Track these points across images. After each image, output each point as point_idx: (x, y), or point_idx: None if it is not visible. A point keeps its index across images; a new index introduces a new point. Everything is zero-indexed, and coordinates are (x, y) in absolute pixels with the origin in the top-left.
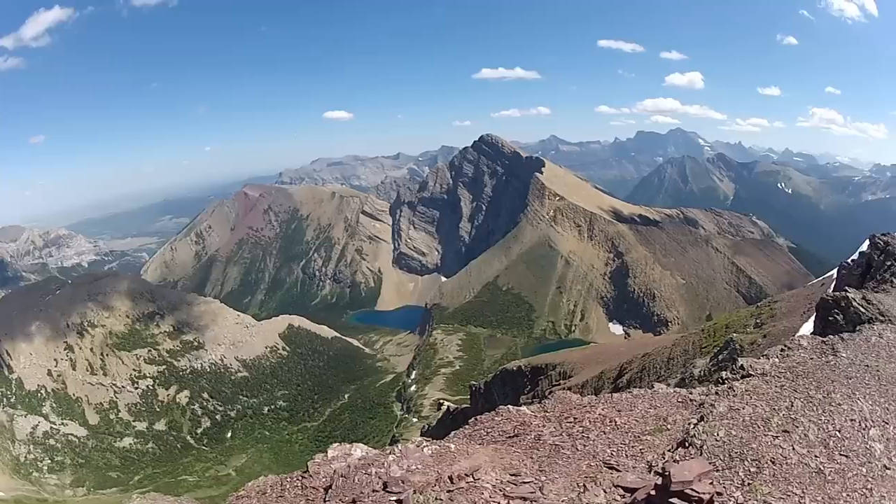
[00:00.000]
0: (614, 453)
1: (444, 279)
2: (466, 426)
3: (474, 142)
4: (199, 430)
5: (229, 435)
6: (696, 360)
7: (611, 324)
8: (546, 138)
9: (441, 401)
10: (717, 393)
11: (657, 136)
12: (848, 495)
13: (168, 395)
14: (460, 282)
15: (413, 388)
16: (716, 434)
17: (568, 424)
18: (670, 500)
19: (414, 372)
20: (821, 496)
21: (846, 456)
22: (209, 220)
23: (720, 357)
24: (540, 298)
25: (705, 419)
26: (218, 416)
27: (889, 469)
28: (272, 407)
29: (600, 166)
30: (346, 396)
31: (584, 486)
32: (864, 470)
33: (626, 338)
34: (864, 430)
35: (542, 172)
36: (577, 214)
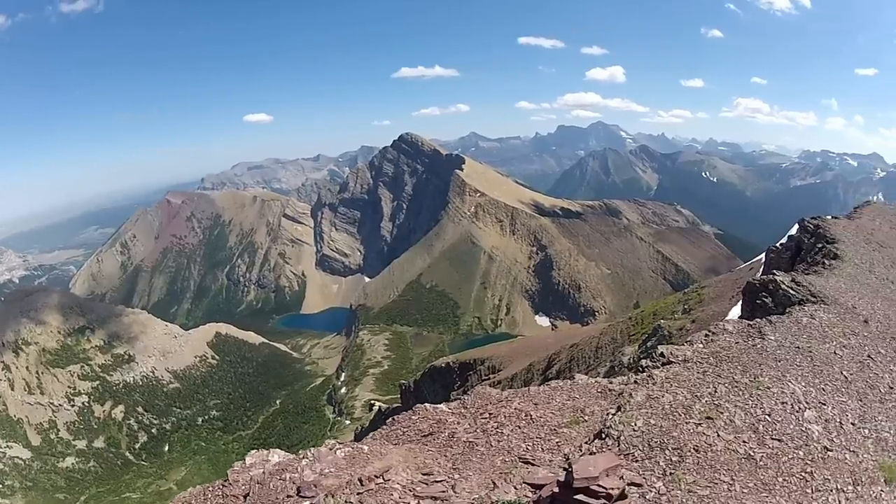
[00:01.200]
0: (529, 448)
1: (367, 280)
2: (384, 426)
3: (394, 141)
4: (137, 446)
5: (167, 448)
6: (624, 349)
7: (537, 316)
8: (466, 135)
9: (372, 401)
10: (636, 382)
11: (578, 129)
12: (785, 480)
13: (104, 412)
14: (384, 281)
15: (343, 390)
16: (633, 424)
17: (483, 420)
18: (575, 496)
19: (343, 374)
20: (753, 482)
21: (779, 440)
22: (133, 229)
23: (648, 344)
24: (464, 295)
25: (622, 409)
26: (154, 430)
27: (831, 451)
28: (206, 417)
29: (521, 161)
30: (277, 402)
31: (495, 483)
32: (802, 453)
33: (553, 329)
34: (797, 412)
35: (462, 169)
36: (499, 210)
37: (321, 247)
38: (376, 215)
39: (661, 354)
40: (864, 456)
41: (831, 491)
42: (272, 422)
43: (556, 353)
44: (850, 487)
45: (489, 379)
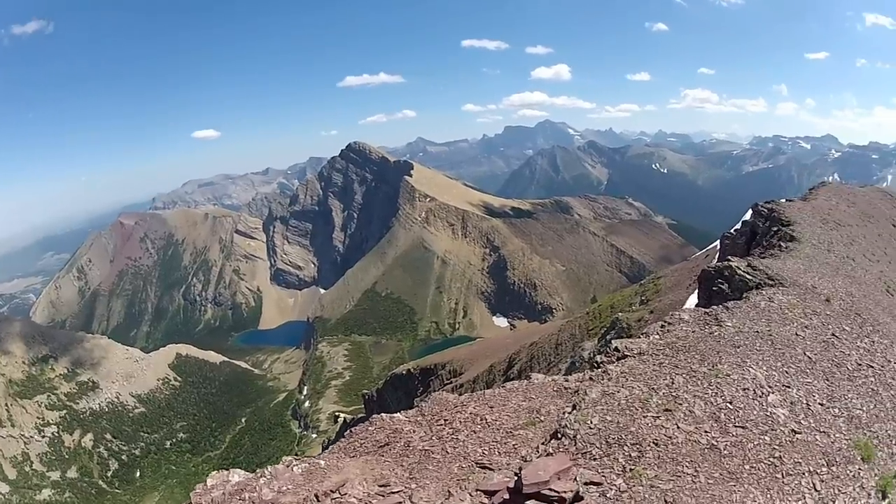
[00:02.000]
0: (486, 452)
1: (322, 291)
2: (342, 439)
3: (342, 151)
4: (109, 474)
5: (138, 475)
6: (584, 344)
7: (494, 317)
8: (413, 141)
9: (337, 413)
10: (591, 378)
11: (526, 129)
12: (752, 467)
13: (73, 441)
14: (339, 292)
15: (307, 403)
16: (589, 422)
17: (439, 427)
18: (526, 502)
19: (305, 387)
20: (718, 472)
21: (742, 427)
22: (88, 253)
23: (608, 337)
24: (420, 300)
25: (577, 407)
26: (124, 457)
27: (800, 434)
28: (174, 440)
29: (470, 164)
30: (243, 420)
31: (450, 491)
32: (768, 438)
33: (511, 329)
34: (760, 397)
35: (411, 175)
36: (450, 214)
37: (275, 261)
38: (328, 226)
39: (616, 349)
40: (837, 436)
41: (803, 474)
42: (239, 440)
43: (515, 352)
44: (825, 469)
45: (451, 383)
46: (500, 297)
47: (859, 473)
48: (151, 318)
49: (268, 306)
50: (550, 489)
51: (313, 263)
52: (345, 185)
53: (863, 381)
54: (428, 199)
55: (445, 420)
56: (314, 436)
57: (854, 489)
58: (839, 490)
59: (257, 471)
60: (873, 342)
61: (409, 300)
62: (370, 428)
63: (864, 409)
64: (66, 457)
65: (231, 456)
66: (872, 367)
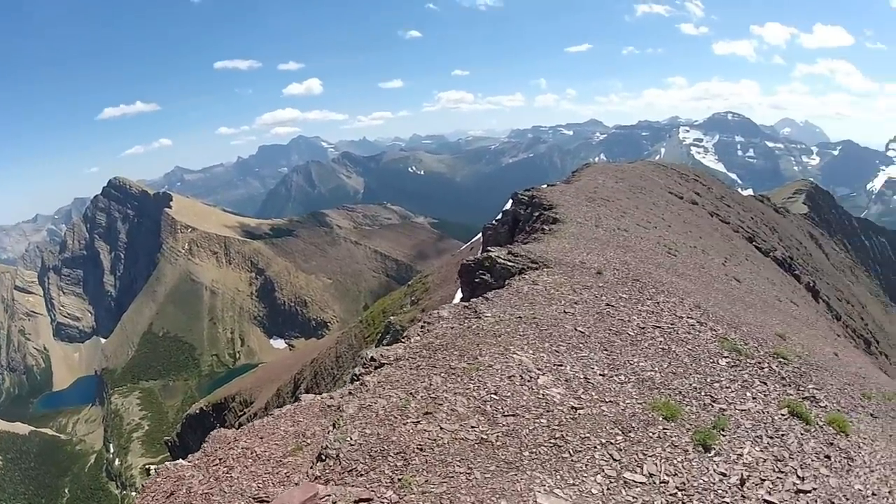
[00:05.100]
0: (261, 486)
1: (103, 341)
2: (137, 496)
3: (104, 188)
4: None
5: None
6: (363, 352)
7: (272, 340)
8: (171, 170)
9: (147, 466)
10: (350, 393)
11: (279, 147)
12: (532, 453)
13: None
14: (119, 339)
15: (117, 462)
16: (350, 438)
17: (215, 468)
18: None
19: (111, 445)
20: (494, 465)
21: (513, 415)
22: None
23: (384, 342)
24: (197, 335)
25: (337, 425)
26: None
27: (581, 409)
28: None
29: (227, 188)
30: (66, 492)
31: None
32: (545, 420)
33: (290, 350)
34: (529, 381)
35: (170, 207)
36: (212, 242)
37: (55, 315)
38: (97, 270)
39: (372, 358)
40: (628, 402)
41: (595, 447)
42: None
43: (299, 372)
44: (620, 437)
45: (245, 413)
46: (274, 320)
47: (665, 433)
48: None
49: (56, 365)
50: None
51: (90, 312)
52: (109, 225)
53: (650, 343)
54: (189, 230)
55: (220, 459)
56: (133, 494)
57: (663, 449)
58: (644, 454)
59: None
60: (658, 303)
61: (186, 337)
62: (158, 479)
63: (657, 369)
64: None
65: None
66: (660, 327)
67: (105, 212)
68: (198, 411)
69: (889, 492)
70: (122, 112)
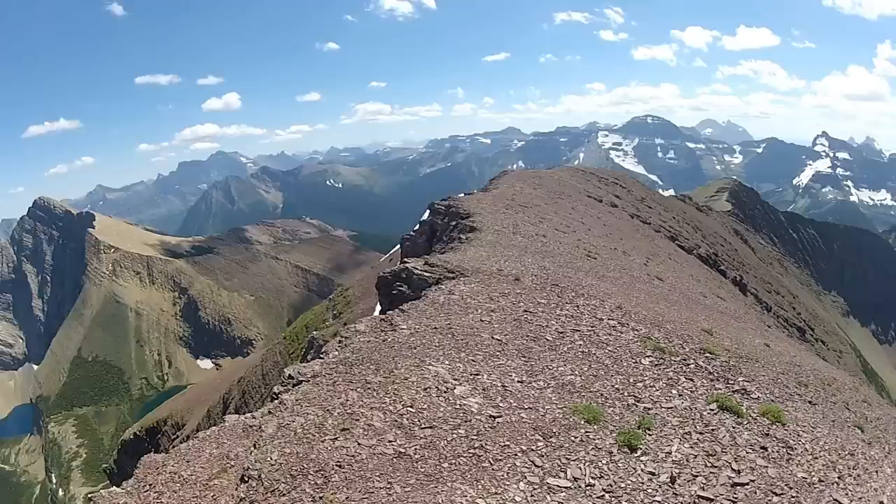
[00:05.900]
0: None
1: (36, 367)
2: None
3: (29, 209)
4: None
5: None
6: (287, 369)
7: (199, 361)
8: (93, 189)
9: (89, 495)
10: (269, 412)
11: (199, 163)
12: (451, 464)
13: None
14: (50, 365)
15: (60, 493)
16: (269, 458)
17: (145, 495)
18: None
19: (53, 475)
20: (413, 478)
21: (430, 427)
22: None
23: (309, 358)
24: (125, 358)
25: (257, 445)
26: None
27: (499, 417)
28: None
29: (148, 206)
30: None
31: None
32: (463, 431)
33: (217, 369)
34: (445, 392)
35: (94, 227)
36: (135, 262)
37: None
38: (26, 294)
39: (290, 376)
40: (548, 407)
41: (516, 455)
42: None
43: (227, 392)
44: (541, 443)
45: (178, 436)
46: (199, 339)
47: (588, 436)
48: None
49: None
50: None
51: (21, 338)
52: (35, 247)
53: (569, 347)
54: (112, 250)
55: (150, 485)
56: None
57: (587, 452)
58: (567, 458)
59: None
60: (577, 306)
61: (114, 360)
62: None
63: (577, 373)
64: None
65: None
66: (579, 330)
67: (31, 233)
68: (131, 437)
69: (839, 477)
70: (47, 129)
